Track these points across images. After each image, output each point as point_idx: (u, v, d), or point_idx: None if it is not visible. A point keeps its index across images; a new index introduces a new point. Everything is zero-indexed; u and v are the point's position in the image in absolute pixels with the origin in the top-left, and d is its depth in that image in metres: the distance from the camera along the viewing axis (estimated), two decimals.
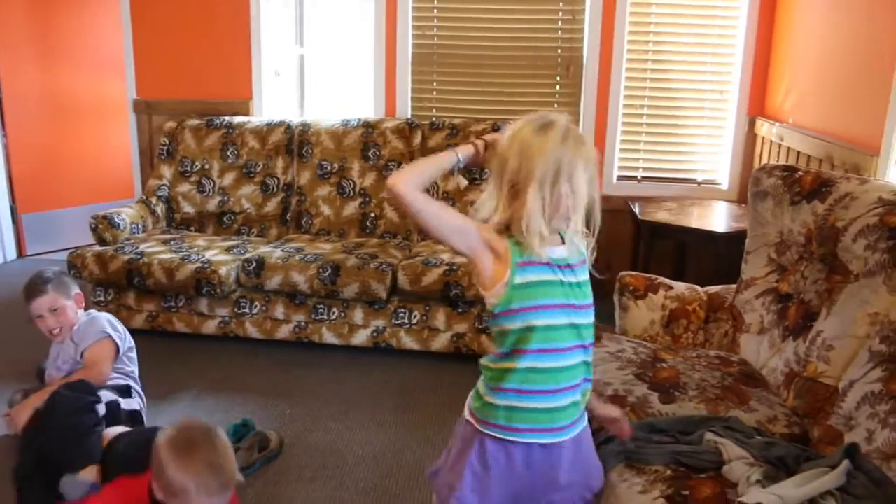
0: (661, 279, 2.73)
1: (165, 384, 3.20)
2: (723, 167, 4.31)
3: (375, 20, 4.37)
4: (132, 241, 3.80)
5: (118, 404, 2.44)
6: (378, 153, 4.11)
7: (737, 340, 2.47)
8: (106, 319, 2.62)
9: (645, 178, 4.38)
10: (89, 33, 5.38)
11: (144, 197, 4.24)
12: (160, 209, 4.21)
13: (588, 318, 1.53)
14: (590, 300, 1.54)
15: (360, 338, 3.57)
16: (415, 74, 4.42)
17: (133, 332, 2.76)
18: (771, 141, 3.89)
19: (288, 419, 2.97)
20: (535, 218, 1.41)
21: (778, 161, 3.72)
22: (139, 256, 3.58)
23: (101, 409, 2.32)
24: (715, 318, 2.61)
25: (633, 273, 2.78)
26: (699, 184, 4.35)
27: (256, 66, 4.54)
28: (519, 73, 4.32)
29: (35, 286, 2.54)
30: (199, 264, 3.51)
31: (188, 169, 4.26)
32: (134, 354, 2.70)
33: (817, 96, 3.49)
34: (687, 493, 1.60)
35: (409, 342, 3.53)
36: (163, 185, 4.26)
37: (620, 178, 4.39)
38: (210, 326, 3.66)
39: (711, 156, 4.35)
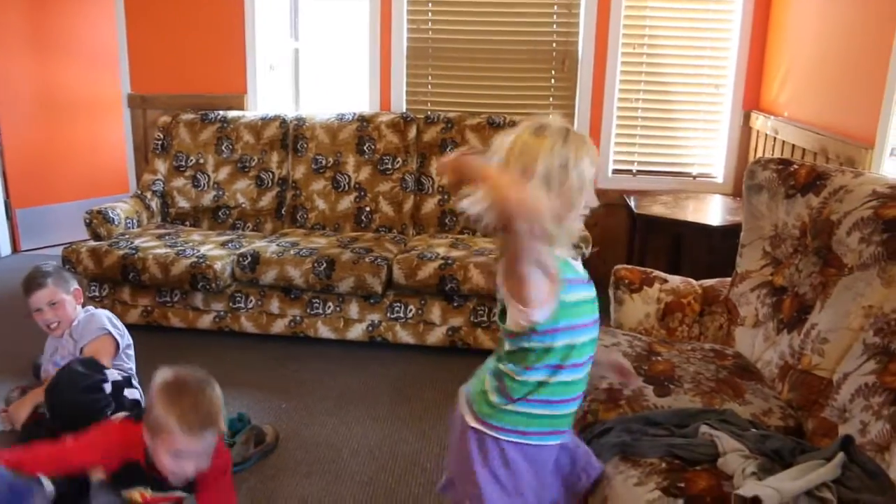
0: (657, 272, 2.73)
1: None
2: (718, 161, 4.32)
3: (370, 14, 4.36)
4: (127, 236, 3.79)
5: (122, 388, 2.44)
6: (373, 147, 4.10)
7: (732, 333, 2.48)
8: (105, 316, 2.62)
9: (640, 172, 4.39)
10: (83, 28, 5.35)
11: (139, 192, 4.23)
12: (155, 204, 4.20)
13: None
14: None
15: (356, 332, 3.56)
16: (410, 68, 4.41)
17: (128, 327, 2.76)
18: (766, 134, 3.90)
19: (283, 413, 2.97)
20: (552, 217, 1.37)
21: (773, 154, 3.73)
22: (134, 251, 3.57)
23: (108, 388, 2.34)
24: (710, 312, 2.61)
25: (629, 266, 2.77)
26: (694, 177, 4.36)
27: (251, 60, 4.53)
28: (514, 66, 4.32)
29: (34, 279, 2.54)
30: (194, 259, 3.50)
31: (183, 164, 4.24)
32: (132, 351, 2.69)
33: (812, 90, 3.50)
34: (682, 485, 1.61)
35: (404, 336, 3.53)
36: (157, 179, 4.25)
37: (616, 171, 4.39)
38: (205, 321, 3.65)
39: (706, 149, 4.35)
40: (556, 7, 4.23)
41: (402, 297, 3.50)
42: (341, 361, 3.48)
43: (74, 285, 2.62)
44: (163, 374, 1.78)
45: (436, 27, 4.35)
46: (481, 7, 4.28)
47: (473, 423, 1.55)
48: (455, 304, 3.46)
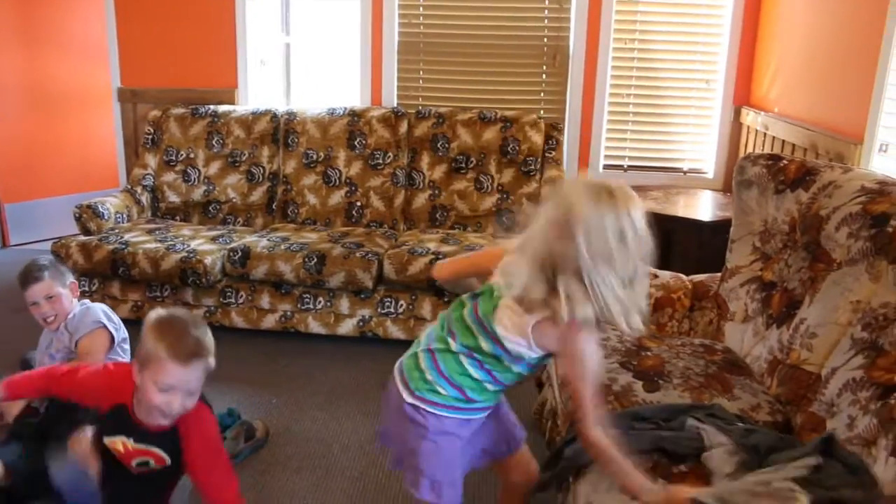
0: None
1: None
2: (708, 156, 4.33)
3: (361, 8, 4.34)
4: (117, 231, 3.77)
5: None
6: (364, 142, 4.09)
7: (721, 328, 2.49)
8: (101, 310, 2.61)
9: (631, 167, 4.39)
10: (73, 21, 5.32)
11: (129, 186, 4.21)
12: (145, 198, 4.18)
13: None
14: None
15: (347, 327, 3.56)
16: (401, 63, 4.40)
17: None
18: (756, 130, 3.91)
19: (274, 409, 2.97)
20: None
21: (763, 150, 3.74)
22: (124, 246, 3.55)
23: None
24: (700, 307, 2.62)
25: None
26: (685, 173, 4.37)
27: (242, 55, 4.51)
28: (505, 61, 4.31)
29: (31, 273, 2.54)
30: (184, 254, 3.49)
31: (173, 158, 4.23)
32: (128, 346, 2.68)
33: (802, 86, 3.51)
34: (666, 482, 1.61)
35: (395, 331, 3.53)
36: (147, 174, 4.23)
37: (606, 167, 4.40)
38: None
39: (697, 145, 4.36)
40: (547, 1, 4.22)
41: (392, 292, 3.50)
42: (332, 357, 3.47)
43: (71, 279, 2.62)
44: (156, 312, 1.84)
45: (427, 22, 4.34)
46: (472, 2, 4.27)
47: (411, 400, 1.65)
48: (446, 300, 3.46)
